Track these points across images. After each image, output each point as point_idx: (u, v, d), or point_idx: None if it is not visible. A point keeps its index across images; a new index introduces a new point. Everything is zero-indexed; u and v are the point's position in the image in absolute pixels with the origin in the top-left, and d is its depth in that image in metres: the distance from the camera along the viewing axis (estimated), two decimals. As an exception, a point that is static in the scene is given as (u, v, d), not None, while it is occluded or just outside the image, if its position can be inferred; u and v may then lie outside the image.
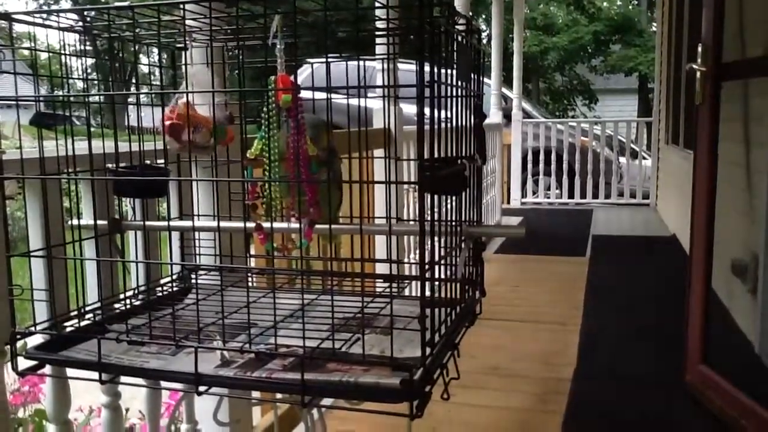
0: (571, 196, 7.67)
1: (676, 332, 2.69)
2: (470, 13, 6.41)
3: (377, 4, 1.10)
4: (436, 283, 1.03)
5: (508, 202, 7.62)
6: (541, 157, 7.69)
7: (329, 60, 1.15)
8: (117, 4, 1.13)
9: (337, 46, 1.26)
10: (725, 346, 2.88)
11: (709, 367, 2.44)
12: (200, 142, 1.20)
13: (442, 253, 1.08)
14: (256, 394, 1.52)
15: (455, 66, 1.12)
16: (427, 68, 0.94)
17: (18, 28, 1.14)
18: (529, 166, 7.75)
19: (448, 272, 1.10)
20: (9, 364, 1.10)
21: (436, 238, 1.02)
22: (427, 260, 0.96)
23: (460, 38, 1.15)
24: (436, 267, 1.02)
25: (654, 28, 13.98)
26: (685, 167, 4.64)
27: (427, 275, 0.96)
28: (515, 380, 2.75)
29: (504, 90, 7.39)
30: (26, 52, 1.19)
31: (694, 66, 2.43)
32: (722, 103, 2.42)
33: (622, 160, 7.70)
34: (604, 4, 20.22)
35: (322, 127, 1.19)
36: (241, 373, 0.97)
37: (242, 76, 1.32)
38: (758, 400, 2.18)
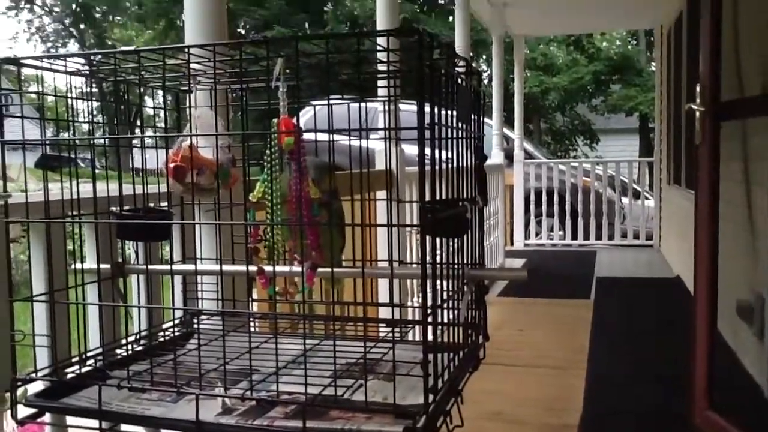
0: (574, 237, 7.66)
1: (683, 375, 2.66)
2: (471, 54, 6.49)
3: (378, 47, 1.11)
4: (439, 327, 1.03)
5: (512, 244, 7.61)
6: (544, 197, 7.70)
7: (331, 102, 1.16)
8: (123, 48, 1.14)
9: (340, 88, 1.28)
10: (732, 390, 2.84)
11: (716, 412, 2.40)
12: (204, 185, 1.21)
13: (445, 297, 1.07)
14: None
15: (455, 107, 1.13)
16: (427, 109, 0.94)
17: (26, 71, 1.15)
18: (532, 207, 7.76)
19: (452, 316, 1.09)
20: (9, 411, 1.08)
21: (438, 282, 1.02)
22: (429, 304, 0.96)
23: (459, 80, 1.16)
24: (439, 311, 1.01)
25: (653, 68, 14.15)
26: (687, 207, 4.65)
27: (430, 319, 0.95)
28: (519, 427, 2.71)
29: (505, 130, 7.44)
30: (33, 96, 1.20)
31: (693, 106, 2.45)
32: (722, 142, 2.43)
33: (625, 200, 7.71)
34: (604, 44, 20.46)
35: (325, 169, 1.20)
36: (242, 421, 0.96)
37: (245, 119, 1.33)
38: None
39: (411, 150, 2.92)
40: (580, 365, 3.40)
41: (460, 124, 1.15)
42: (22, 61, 1.12)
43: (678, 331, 3.82)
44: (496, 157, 6.21)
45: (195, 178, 1.20)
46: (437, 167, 1.01)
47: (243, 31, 19.48)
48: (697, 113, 2.44)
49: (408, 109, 1.58)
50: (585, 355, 3.56)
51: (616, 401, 2.95)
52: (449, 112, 1.09)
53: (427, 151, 0.95)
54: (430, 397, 0.91)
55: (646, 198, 7.86)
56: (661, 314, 4.61)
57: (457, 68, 1.14)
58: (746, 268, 3.13)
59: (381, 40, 1.08)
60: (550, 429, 2.68)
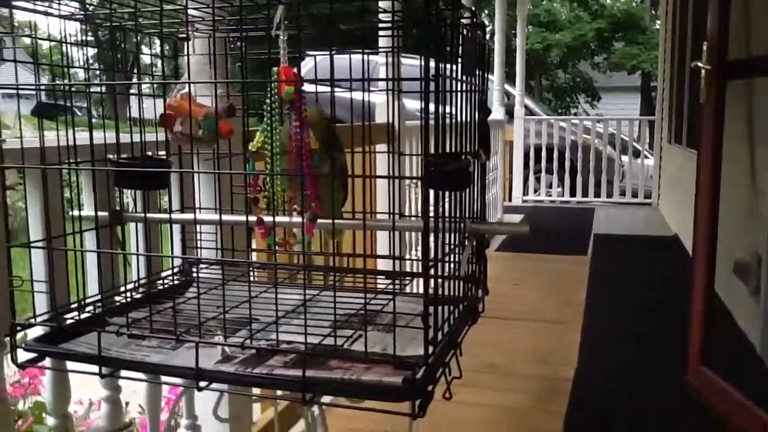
0: (572, 194, 7.66)
1: (678, 333, 2.69)
2: (473, 8, 6.39)
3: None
4: (440, 280, 1.02)
5: (510, 200, 7.61)
6: (543, 154, 7.68)
7: (333, 53, 1.14)
8: (119, -8, 1.12)
9: (341, 39, 1.25)
10: (727, 348, 2.87)
11: (709, 369, 2.43)
12: (186, 134, 1.19)
13: (446, 250, 1.06)
14: (256, 390, 1.51)
15: (460, 60, 1.10)
16: (431, 62, 0.92)
17: (19, 16, 1.12)
18: (531, 163, 7.74)
19: (452, 269, 1.09)
20: (9, 355, 1.09)
21: (439, 235, 1.01)
22: (431, 257, 0.95)
23: (465, 32, 1.13)
24: (440, 264, 1.01)
25: (657, 26, 13.95)
26: (688, 166, 4.63)
27: (431, 272, 0.95)
28: (515, 379, 2.75)
29: (506, 86, 7.37)
30: (27, 41, 1.18)
31: (699, 64, 2.42)
32: (727, 101, 2.40)
33: (625, 158, 7.69)
34: (608, 1, 20.16)
35: (320, 115, 1.17)
36: (241, 369, 0.96)
37: (245, 68, 1.31)
38: (759, 402, 2.17)
39: (411, 104, 2.90)
40: (577, 320, 3.43)
41: (464, 77, 1.13)
42: (15, 4, 1.09)
43: (674, 289, 3.85)
44: (497, 112, 6.17)
45: (180, 127, 1.18)
46: (441, 120, 0.99)
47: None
48: (703, 71, 2.40)
49: (409, 63, 1.55)
50: (581, 310, 3.59)
51: (611, 356, 2.98)
52: (453, 65, 1.07)
53: (431, 105, 0.93)
54: (430, 349, 0.91)
55: (646, 157, 7.84)
56: (658, 272, 4.63)
57: (462, 20, 1.12)
58: (745, 228, 3.13)
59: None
60: (545, 381, 2.72)
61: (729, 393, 2.30)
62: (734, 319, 3.28)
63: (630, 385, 2.67)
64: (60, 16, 1.14)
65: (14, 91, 1.13)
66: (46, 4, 1.12)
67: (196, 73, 1.23)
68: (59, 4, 1.12)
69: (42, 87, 1.18)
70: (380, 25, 1.35)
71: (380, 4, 1.16)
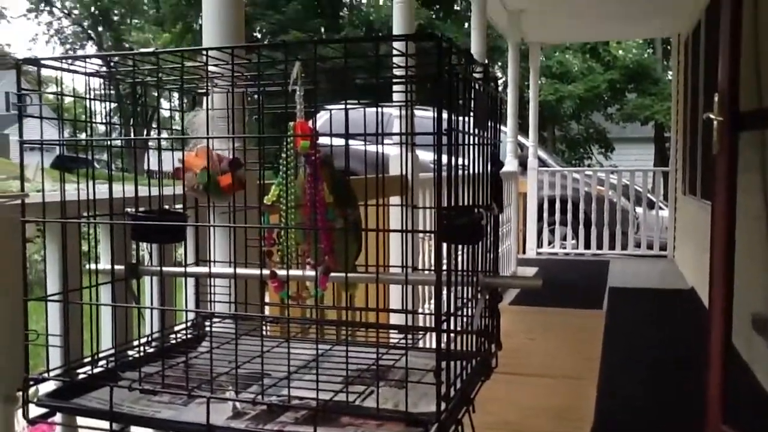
0: (587, 246, 7.61)
1: (696, 388, 2.63)
2: (486, 61, 6.49)
3: (395, 52, 1.10)
4: (453, 334, 1.02)
5: (524, 252, 7.57)
6: (557, 206, 7.67)
7: (347, 107, 1.16)
8: (141, 50, 1.15)
9: (355, 93, 1.27)
10: (746, 404, 2.80)
11: (729, 426, 2.37)
12: (190, 187, 1.21)
13: (459, 304, 1.06)
14: (267, 444, 1.49)
15: (472, 113, 1.12)
16: (444, 115, 0.94)
17: (44, 72, 1.16)
18: (545, 215, 7.72)
19: (464, 324, 1.09)
20: (20, 411, 1.08)
21: (452, 289, 1.01)
22: (443, 311, 0.95)
23: (477, 86, 1.15)
24: (452, 318, 1.01)
25: (670, 77, 14.06)
26: (702, 218, 4.61)
27: (444, 326, 0.94)
28: (530, 435, 2.69)
29: (520, 138, 7.42)
30: (51, 97, 1.21)
31: (711, 115, 2.43)
32: (740, 152, 2.40)
33: (639, 210, 7.66)
34: (620, 52, 20.36)
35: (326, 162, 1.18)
36: (253, 425, 0.95)
37: (261, 122, 1.33)
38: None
39: (424, 156, 2.91)
40: (592, 375, 3.37)
41: (476, 131, 1.14)
42: (42, 62, 1.13)
43: (691, 343, 3.79)
44: (510, 164, 6.19)
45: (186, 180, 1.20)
46: (453, 173, 1.00)
47: (259, 35, 19.56)
48: (715, 123, 2.41)
49: (422, 115, 1.57)
50: (597, 365, 3.53)
51: (629, 413, 2.92)
52: (466, 118, 1.08)
53: (443, 157, 0.94)
54: (443, 405, 0.90)
55: (661, 208, 7.81)
56: (675, 326, 4.57)
57: (474, 74, 1.14)
58: (762, 281, 3.09)
59: (398, 45, 1.07)
60: (561, 439, 2.66)
61: (751, 451, 2.24)
62: (754, 374, 3.21)
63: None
64: (84, 73, 1.17)
65: (37, 146, 1.16)
66: (71, 61, 1.15)
67: (211, 127, 1.25)
68: (84, 61, 1.16)
69: (64, 142, 1.21)
70: (394, 79, 1.38)
71: (394, 59, 1.18)
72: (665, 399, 3.09)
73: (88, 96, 1.19)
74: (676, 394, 3.14)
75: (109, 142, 1.23)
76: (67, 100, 1.20)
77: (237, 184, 1.24)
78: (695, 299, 5.09)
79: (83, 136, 1.21)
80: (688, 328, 4.37)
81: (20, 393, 1.08)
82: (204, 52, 1.15)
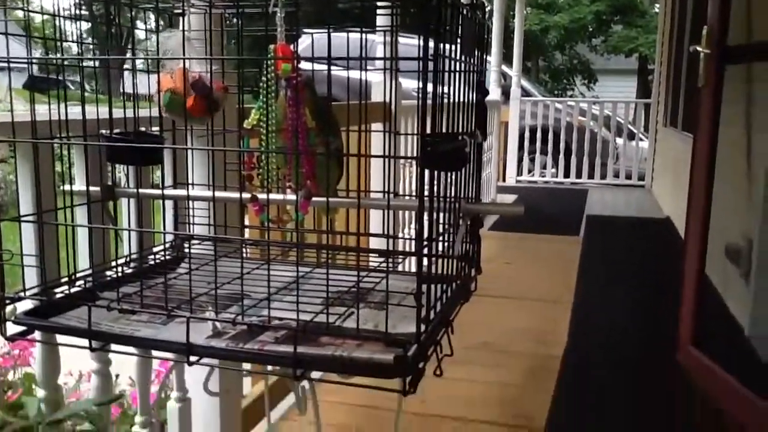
0: (566, 175, 7.66)
1: (668, 314, 2.70)
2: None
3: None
4: (433, 259, 1.02)
5: (504, 180, 7.61)
6: (539, 135, 7.66)
7: (330, 31, 1.13)
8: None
9: (338, 17, 1.23)
10: (716, 329, 2.89)
11: (699, 350, 2.45)
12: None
13: (440, 229, 1.06)
14: (247, 365, 1.52)
15: (459, 40, 1.09)
16: (431, 42, 0.92)
17: (11, -13, 1.11)
18: (526, 144, 7.73)
19: (445, 248, 1.09)
20: (-2, 329, 1.08)
21: (434, 214, 1.01)
22: (425, 236, 0.95)
23: (465, 12, 1.12)
24: (433, 243, 1.01)
25: (656, 10, 13.88)
26: (682, 150, 4.63)
27: (425, 251, 0.95)
28: (506, 356, 2.77)
29: (504, 67, 7.34)
30: (20, 14, 1.16)
31: (699, 48, 2.41)
32: (725, 85, 2.40)
33: (619, 141, 7.69)
34: (607, -17, 20.01)
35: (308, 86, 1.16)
36: (233, 344, 0.96)
37: (241, 45, 1.29)
38: (746, 383, 2.19)
39: (408, 83, 2.88)
40: (569, 299, 3.45)
41: (462, 57, 1.12)
42: (8, -26, 1.08)
43: (665, 271, 3.87)
44: (493, 93, 6.14)
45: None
46: (438, 100, 0.98)
47: (238, -45, 18.89)
48: (702, 55, 2.40)
49: (406, 42, 1.54)
50: (572, 291, 3.61)
51: (601, 335, 3.01)
52: (452, 46, 1.06)
53: (429, 84, 0.93)
54: (422, 327, 0.92)
55: (641, 139, 7.84)
56: (650, 253, 4.65)
57: (462, 0, 1.11)
58: (738, 212, 3.14)
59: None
60: (536, 358, 2.74)
61: (717, 373, 2.32)
62: (724, 301, 3.30)
63: (620, 364, 2.70)
64: (54, -12, 1.12)
65: (5, 65, 1.12)
66: (40, -25, 1.10)
67: (186, 49, 1.21)
68: (54, -24, 1.10)
69: (34, 60, 1.17)
70: (378, 3, 1.34)
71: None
72: (638, 323, 3.18)
73: (58, 14, 1.14)
74: (649, 318, 3.23)
75: (81, 62, 1.19)
76: (37, 19, 1.16)
77: (203, 106, 1.20)
78: (671, 228, 5.17)
79: (55, 56, 1.17)
80: (662, 255, 4.46)
81: (-3, 311, 1.08)
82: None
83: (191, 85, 1.18)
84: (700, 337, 2.48)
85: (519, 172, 7.81)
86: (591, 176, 7.61)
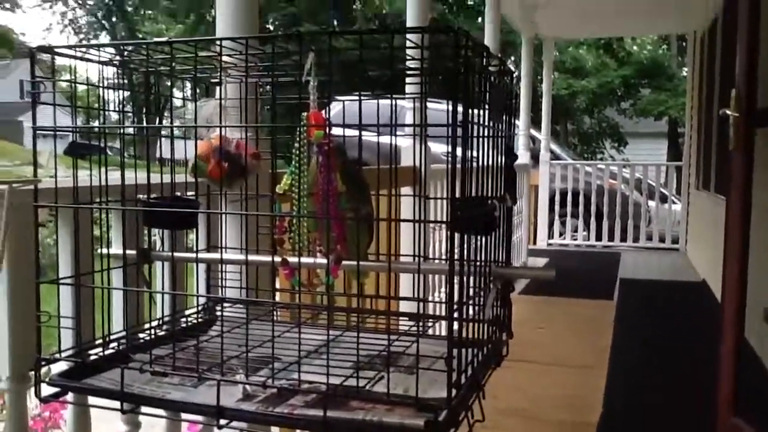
0: (598, 238, 7.59)
1: (706, 382, 2.62)
2: (500, 55, 6.46)
3: (410, 44, 1.10)
4: (464, 323, 1.02)
5: (535, 243, 7.56)
6: (569, 198, 7.64)
7: (361, 98, 1.16)
8: (155, 39, 1.15)
9: (368, 85, 1.27)
10: (758, 398, 2.79)
11: (741, 420, 2.36)
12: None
13: (471, 293, 1.06)
14: (276, 429, 1.50)
15: (488, 106, 1.12)
16: (459, 108, 0.94)
17: (59, 61, 1.16)
18: (557, 207, 7.70)
19: (476, 312, 1.09)
20: (32, 389, 1.10)
21: (464, 278, 1.01)
22: (456, 299, 0.95)
23: (493, 79, 1.15)
24: (464, 307, 1.01)
25: (684, 73, 13.96)
26: (716, 212, 4.58)
27: (456, 315, 0.95)
28: (538, 423, 2.70)
29: (532, 131, 7.39)
30: (65, 85, 1.21)
31: (728, 111, 2.41)
32: (756, 148, 2.39)
33: (651, 203, 7.63)
34: (634, 48, 20.23)
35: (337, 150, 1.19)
36: (262, 408, 0.96)
37: (274, 112, 1.33)
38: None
39: (436, 148, 2.91)
40: (602, 365, 3.37)
41: (491, 123, 1.14)
42: (56, 50, 1.13)
43: (702, 336, 3.77)
44: (522, 157, 6.17)
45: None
46: (467, 164, 1.00)
47: (272, 27, 19.56)
48: (732, 119, 2.40)
49: (434, 107, 1.57)
50: (606, 356, 3.53)
51: (637, 403, 2.92)
52: (480, 111, 1.08)
53: (458, 149, 0.94)
54: (453, 392, 0.91)
55: (673, 202, 7.77)
56: (686, 318, 4.55)
57: (490, 67, 1.13)
58: (775, 276, 3.07)
59: (413, 37, 1.07)
60: (568, 427, 2.66)
61: (761, 446, 2.23)
62: (765, 367, 3.20)
63: (657, 434, 2.61)
64: (98, 62, 1.18)
65: (50, 132, 1.17)
66: (85, 50, 1.16)
67: (222, 117, 1.25)
68: (98, 50, 1.16)
69: (78, 129, 1.21)
70: (407, 71, 1.38)
71: (408, 51, 1.17)
72: (675, 390, 3.08)
73: (101, 84, 1.20)
74: (686, 385, 3.13)
75: (121, 130, 1.24)
76: (81, 89, 1.21)
77: (228, 170, 1.24)
78: (706, 292, 5.06)
79: (96, 123, 1.22)
80: (698, 320, 4.36)
81: (32, 372, 1.09)
82: (218, 42, 1.15)
83: (213, 151, 1.21)
84: (741, 407, 2.39)
85: (550, 235, 7.75)
86: (623, 239, 7.53)
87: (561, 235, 7.88)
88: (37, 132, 1.17)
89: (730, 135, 2.42)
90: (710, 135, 5.85)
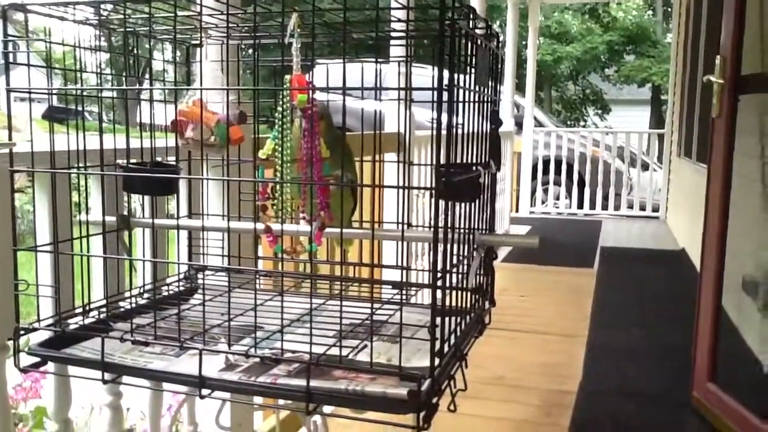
0: (580, 206, 7.64)
1: (684, 348, 2.66)
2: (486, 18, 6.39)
3: (396, 5, 1.08)
4: (447, 291, 1.01)
5: (517, 211, 7.59)
6: (552, 166, 7.66)
7: (345, 61, 1.13)
8: (134, -2, 1.12)
9: (353, 48, 1.24)
10: (734, 364, 2.84)
11: (716, 386, 2.41)
12: (197, 139, 1.19)
13: (454, 261, 1.05)
14: (259, 398, 1.50)
15: (473, 71, 1.10)
16: (445, 73, 0.92)
17: (34, 21, 1.12)
18: (539, 174, 7.72)
19: (459, 280, 1.08)
20: (11, 359, 1.08)
21: (448, 246, 1.00)
22: (439, 268, 0.94)
23: (479, 42, 1.13)
24: (447, 275, 1.00)
25: (669, 40, 13.93)
26: (697, 180, 4.61)
27: (440, 283, 0.94)
28: (520, 391, 2.73)
29: (516, 97, 7.37)
30: (41, 46, 1.18)
31: (712, 78, 2.41)
32: (739, 115, 2.39)
33: (633, 171, 7.66)
34: (620, 14, 20.14)
35: (324, 115, 1.17)
36: (245, 377, 0.95)
37: (257, 75, 1.30)
38: (765, 419, 2.14)
39: (421, 114, 2.90)
40: (583, 333, 3.41)
41: (476, 88, 1.12)
42: (29, 8, 1.09)
43: (680, 304, 3.82)
44: (506, 123, 6.16)
45: (191, 133, 1.18)
46: (452, 131, 0.98)
47: (254, -12, 19.21)
48: (716, 86, 2.39)
49: (419, 72, 1.55)
50: (587, 324, 3.57)
51: (616, 370, 2.96)
52: (466, 76, 1.06)
53: (442, 114, 0.93)
54: (436, 361, 0.90)
55: (654, 170, 7.81)
56: (665, 286, 4.60)
57: (477, 30, 1.11)
58: (755, 244, 3.11)
59: (399, -1, 1.04)
60: (550, 394, 2.70)
61: (736, 410, 2.27)
62: (742, 336, 3.25)
63: (635, 400, 2.65)
64: (74, 21, 1.14)
65: (26, 95, 1.13)
66: (62, 9, 1.12)
67: (209, 79, 1.22)
68: (74, 9, 1.12)
69: (54, 91, 1.18)
70: (393, 34, 1.35)
71: (393, 13, 1.15)
72: (653, 357, 3.13)
73: (78, 45, 1.16)
74: (665, 352, 3.18)
75: (100, 93, 1.21)
76: (57, 50, 1.17)
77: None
78: (686, 260, 5.12)
79: (74, 86, 1.19)
80: (677, 288, 4.41)
81: (11, 342, 1.08)
82: (198, 2, 1.12)
83: (236, 117, 1.19)
84: (717, 373, 2.43)
85: (532, 203, 7.79)
86: (605, 207, 7.59)
87: (543, 202, 7.93)
88: (12, 95, 1.13)
89: (713, 102, 2.42)
90: (693, 102, 5.86)
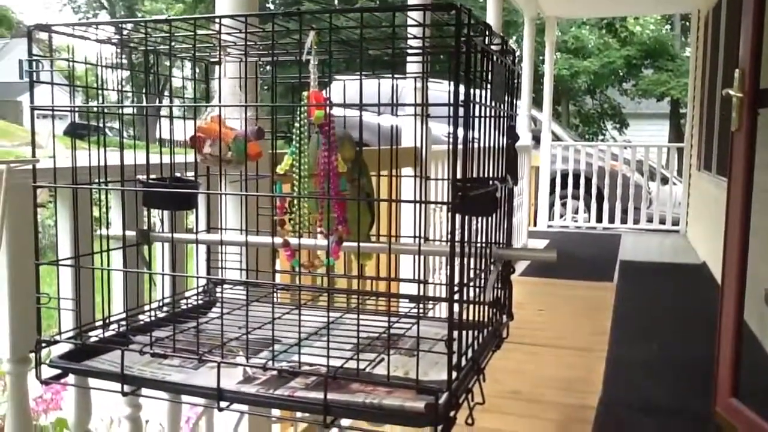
0: (599, 220, 7.59)
1: (705, 362, 2.63)
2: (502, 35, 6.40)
3: (412, 22, 1.09)
4: (464, 304, 1.01)
5: (535, 225, 7.56)
6: (570, 180, 7.63)
7: (362, 77, 1.15)
8: (154, 17, 1.14)
9: (370, 64, 1.26)
10: (756, 379, 2.80)
11: (739, 401, 2.37)
12: (215, 154, 1.20)
13: (472, 275, 1.06)
14: (276, 411, 1.51)
15: (489, 86, 1.10)
16: (461, 88, 0.92)
17: (57, 40, 1.15)
18: (557, 188, 7.69)
19: (476, 294, 1.08)
20: (33, 371, 1.10)
21: (465, 260, 1.00)
22: (456, 281, 0.94)
23: (495, 58, 1.14)
24: (465, 289, 1.00)
25: (687, 53, 13.87)
26: (716, 194, 4.57)
27: (457, 297, 0.94)
28: (538, 406, 2.71)
29: (534, 112, 7.36)
30: (63, 64, 1.20)
31: (731, 92, 2.39)
32: (759, 129, 2.37)
33: (652, 185, 7.61)
34: (637, 28, 20.09)
35: (348, 139, 1.18)
36: (263, 390, 0.96)
37: (274, 92, 1.32)
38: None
39: (437, 129, 2.91)
40: (602, 348, 3.38)
41: (493, 103, 1.13)
42: (53, 28, 1.12)
43: (701, 318, 3.78)
44: (523, 138, 6.15)
45: (209, 149, 1.20)
46: (469, 145, 0.99)
47: (272, 5, 19.43)
48: (735, 99, 2.38)
49: (435, 87, 1.56)
50: (606, 338, 3.54)
51: (637, 385, 2.93)
52: (482, 91, 1.07)
53: (459, 130, 0.93)
54: (453, 374, 0.90)
55: (674, 183, 7.76)
56: (685, 300, 4.56)
57: (492, 46, 1.12)
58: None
59: (415, 15, 1.05)
60: (569, 409, 2.67)
61: (759, 425, 2.24)
62: (765, 349, 3.21)
63: (656, 415, 2.62)
64: (96, 41, 1.17)
65: (49, 111, 1.16)
66: (84, 28, 1.14)
67: (227, 96, 1.24)
68: (96, 28, 1.15)
69: (76, 108, 1.20)
70: (409, 50, 1.36)
71: (410, 29, 1.16)
72: (674, 372, 3.09)
73: (99, 63, 1.18)
74: (685, 367, 3.14)
75: (120, 110, 1.23)
76: (79, 68, 1.20)
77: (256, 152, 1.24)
78: (707, 274, 5.07)
79: (95, 103, 1.21)
80: (698, 302, 4.36)
81: (32, 354, 1.09)
82: (217, 20, 1.14)
83: (254, 133, 1.21)
84: (739, 387, 2.40)
85: (551, 217, 7.75)
86: (624, 221, 7.53)
87: (561, 216, 7.88)
88: (36, 112, 1.16)
89: (732, 116, 2.40)
90: (712, 116, 5.83)
